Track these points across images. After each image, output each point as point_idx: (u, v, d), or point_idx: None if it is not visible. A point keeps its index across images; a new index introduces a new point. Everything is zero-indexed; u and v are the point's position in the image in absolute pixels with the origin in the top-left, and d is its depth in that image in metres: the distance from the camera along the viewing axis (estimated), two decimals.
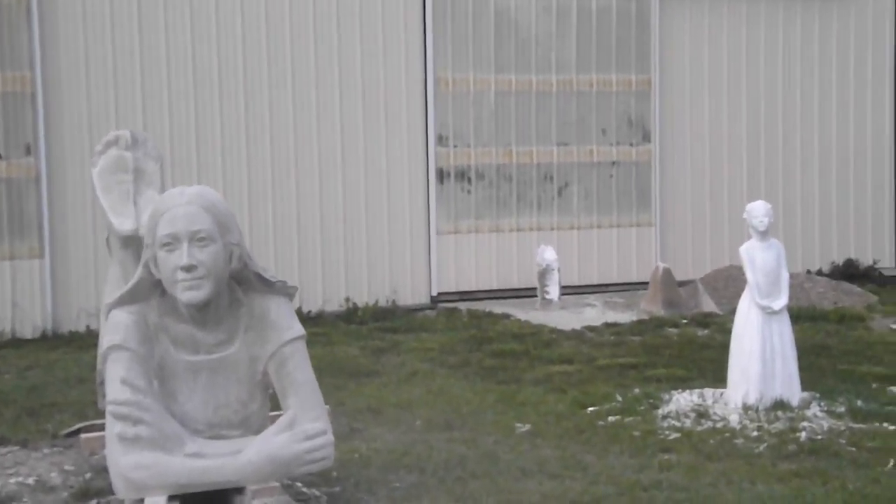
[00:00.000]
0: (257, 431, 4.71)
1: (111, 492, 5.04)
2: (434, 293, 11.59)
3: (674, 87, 12.53)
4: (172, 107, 10.44)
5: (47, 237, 9.89)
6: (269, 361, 4.64)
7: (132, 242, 6.03)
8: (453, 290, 11.69)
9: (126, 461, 4.32)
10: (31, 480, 5.32)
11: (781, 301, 6.79)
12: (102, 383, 6.06)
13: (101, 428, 6.10)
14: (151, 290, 4.56)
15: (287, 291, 4.76)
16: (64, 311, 10.02)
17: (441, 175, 11.64)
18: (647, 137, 12.40)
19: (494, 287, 11.81)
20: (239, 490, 4.45)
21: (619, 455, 5.70)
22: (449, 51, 11.61)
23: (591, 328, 9.78)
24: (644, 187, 12.44)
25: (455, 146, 11.69)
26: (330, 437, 4.62)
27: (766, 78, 12.90)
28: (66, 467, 5.56)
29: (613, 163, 12.33)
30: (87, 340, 9.61)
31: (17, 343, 9.56)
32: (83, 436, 5.96)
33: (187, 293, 4.40)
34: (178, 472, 4.35)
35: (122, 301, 4.55)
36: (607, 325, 9.92)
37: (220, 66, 10.65)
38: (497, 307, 11.01)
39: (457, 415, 6.71)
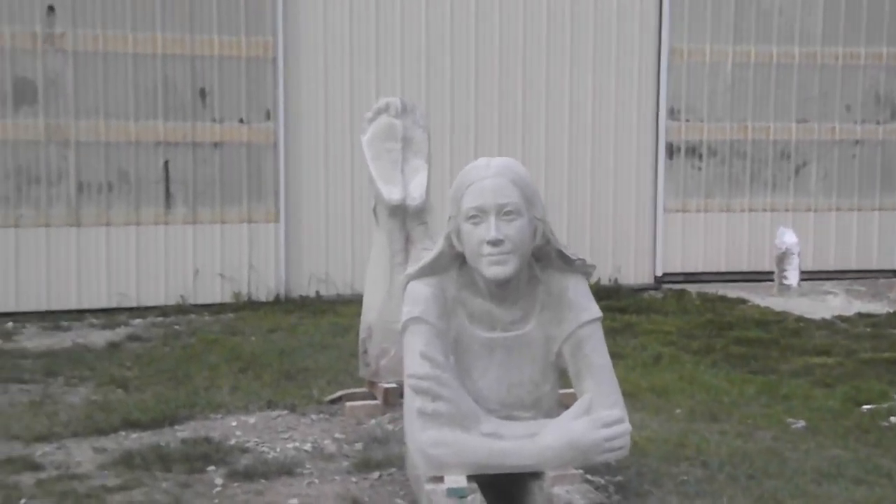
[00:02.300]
0: (548, 414, 4.52)
1: (391, 464, 4.97)
2: (658, 273, 11.19)
3: None
4: (405, 77, 10.40)
5: (283, 202, 10.06)
6: (564, 342, 4.42)
7: (399, 212, 5.94)
8: (678, 270, 11.25)
9: (425, 437, 4.20)
10: (307, 447, 5.30)
11: None
12: (366, 352, 6.07)
13: (363, 397, 6.11)
14: (451, 262, 4.42)
15: (586, 270, 4.53)
16: (296, 276, 10.19)
17: (671, 150, 11.19)
18: (895, 115, 11.56)
19: (723, 269, 11.29)
20: (535, 475, 4.28)
21: None
22: (686, 19, 11.10)
23: (842, 318, 9.17)
24: (890, 168, 11.62)
25: (687, 120, 11.21)
26: (628, 426, 4.38)
27: None
28: (337, 435, 5.53)
29: (857, 141, 11.55)
30: (319, 306, 9.75)
31: (253, 306, 9.77)
32: (348, 404, 5.94)
33: (493, 268, 4.22)
34: (478, 451, 4.21)
35: (421, 272, 4.43)
36: (860, 315, 9.28)
37: (452, 33, 10.53)
38: (729, 291, 10.51)
39: (719, 405, 6.35)
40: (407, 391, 4.33)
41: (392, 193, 5.93)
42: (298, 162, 10.15)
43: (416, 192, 5.98)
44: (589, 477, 4.81)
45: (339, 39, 10.21)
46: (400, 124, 6.07)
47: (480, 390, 4.39)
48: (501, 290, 4.33)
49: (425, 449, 4.19)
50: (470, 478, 4.19)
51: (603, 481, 4.79)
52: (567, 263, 4.45)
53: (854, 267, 11.55)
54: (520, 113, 10.74)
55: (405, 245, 6.00)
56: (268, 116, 9.98)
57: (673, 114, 11.15)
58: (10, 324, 9.05)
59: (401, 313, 4.44)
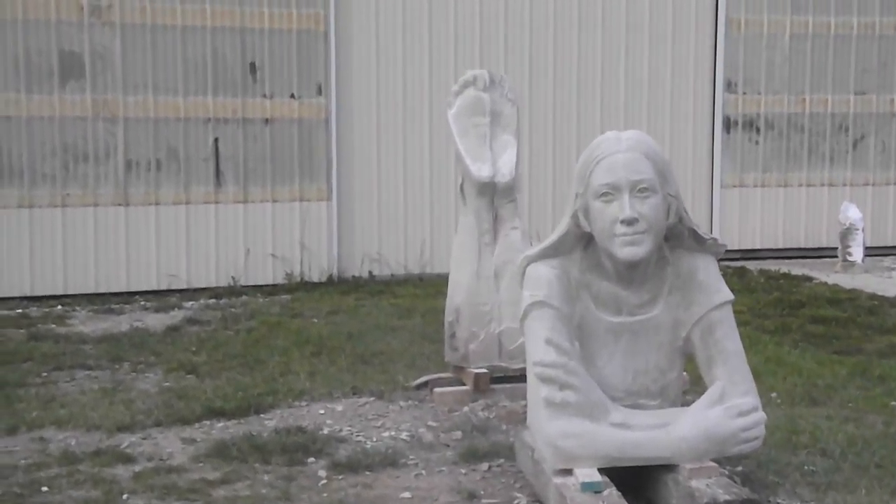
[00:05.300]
0: (674, 402, 4.27)
1: (498, 455, 4.73)
2: None
3: None
4: (458, 49, 10.11)
5: (335, 180, 9.79)
6: (694, 327, 4.17)
7: (488, 190, 5.68)
8: (735, 247, 10.98)
9: (553, 428, 3.96)
10: (403, 435, 5.07)
11: None
12: (454, 336, 5.81)
13: (449, 382, 5.86)
14: (576, 243, 4.15)
15: (717, 250, 4.28)
16: (348, 255, 9.94)
17: (728, 124, 10.90)
18: None
19: (780, 245, 11.03)
20: (669, 467, 4.04)
21: None
22: None
23: None
24: None
25: (744, 93, 10.91)
26: (762, 415, 4.13)
27: None
28: (430, 423, 5.29)
29: None
30: (374, 287, 9.51)
31: (307, 286, 9.53)
32: (437, 390, 5.70)
33: (626, 249, 3.96)
34: (609, 443, 3.96)
35: (543, 254, 4.16)
36: None
37: (506, 4, 10.23)
38: (791, 267, 10.24)
39: (815, 388, 6.09)
40: (531, 380, 4.09)
41: (481, 170, 5.66)
42: (350, 138, 9.87)
43: (505, 168, 5.72)
44: None
45: (391, 11, 9.91)
46: (488, 98, 5.79)
47: (605, 378, 4.15)
48: (631, 271, 4.07)
49: (554, 441, 3.96)
50: (600, 471, 3.97)
51: (727, 472, 4.54)
52: (699, 243, 4.20)
53: None
54: (574, 86, 10.45)
55: (494, 224, 5.75)
56: (319, 91, 9.69)
57: (730, 86, 10.86)
58: (59, 307, 8.82)
59: (521, 297, 4.20)
